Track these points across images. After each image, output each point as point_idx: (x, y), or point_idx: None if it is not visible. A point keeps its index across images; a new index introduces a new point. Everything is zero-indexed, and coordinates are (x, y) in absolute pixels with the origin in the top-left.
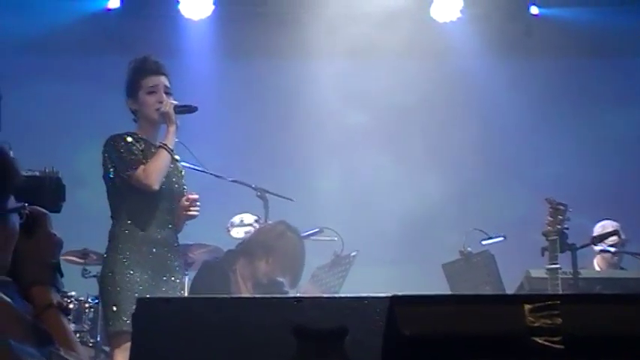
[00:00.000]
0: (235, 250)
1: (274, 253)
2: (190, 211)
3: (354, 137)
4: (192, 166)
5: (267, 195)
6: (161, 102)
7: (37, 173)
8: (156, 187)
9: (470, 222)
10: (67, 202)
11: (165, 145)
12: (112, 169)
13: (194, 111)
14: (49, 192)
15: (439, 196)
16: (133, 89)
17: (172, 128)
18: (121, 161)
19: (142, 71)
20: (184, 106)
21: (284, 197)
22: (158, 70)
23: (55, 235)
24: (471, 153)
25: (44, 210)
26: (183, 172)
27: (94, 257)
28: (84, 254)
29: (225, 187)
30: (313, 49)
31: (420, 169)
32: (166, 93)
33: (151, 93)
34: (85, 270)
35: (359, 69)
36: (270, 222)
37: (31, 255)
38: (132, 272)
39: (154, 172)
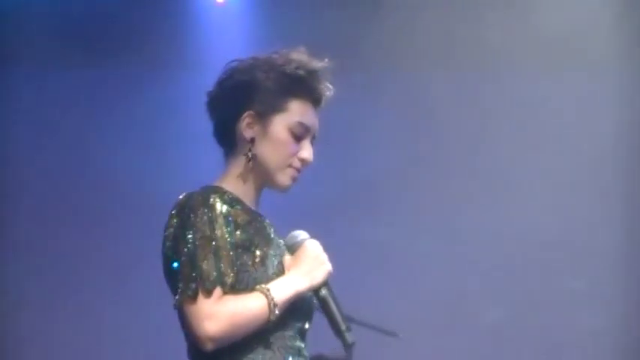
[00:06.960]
0: None
1: None
2: None
3: None
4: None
5: None
6: (304, 160)
7: None
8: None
9: None
10: None
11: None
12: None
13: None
14: None
15: None
16: (268, 103)
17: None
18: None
19: (301, 84)
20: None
21: None
22: (324, 100)
23: None
24: None
25: None
26: None
27: None
28: None
29: None
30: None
31: None
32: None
33: (298, 134)
34: None
35: None
36: None
37: None
38: None
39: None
